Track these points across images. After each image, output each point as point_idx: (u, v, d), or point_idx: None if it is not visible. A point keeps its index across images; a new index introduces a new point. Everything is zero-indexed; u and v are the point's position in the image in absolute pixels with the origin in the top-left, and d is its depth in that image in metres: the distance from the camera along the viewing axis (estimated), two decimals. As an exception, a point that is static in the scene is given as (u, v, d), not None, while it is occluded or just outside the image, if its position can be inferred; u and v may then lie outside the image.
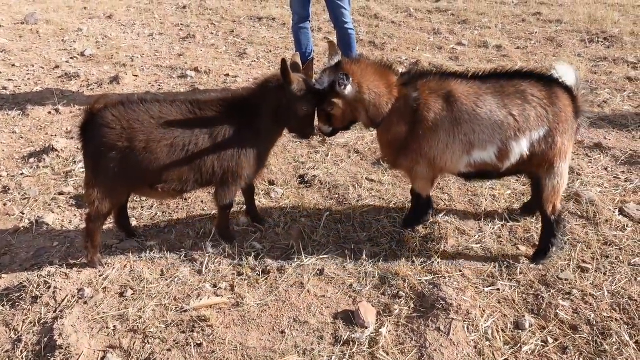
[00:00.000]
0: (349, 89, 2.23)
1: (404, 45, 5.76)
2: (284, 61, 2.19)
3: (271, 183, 3.08)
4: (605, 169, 3.15)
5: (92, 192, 2.23)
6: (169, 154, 2.20)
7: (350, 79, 2.22)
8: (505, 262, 2.36)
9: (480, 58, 5.27)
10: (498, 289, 2.21)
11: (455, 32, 6.19)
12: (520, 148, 2.21)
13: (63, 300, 2.16)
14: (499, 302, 2.15)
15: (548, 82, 2.26)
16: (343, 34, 4.16)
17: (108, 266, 2.37)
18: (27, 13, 6.86)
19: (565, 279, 2.25)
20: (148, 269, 2.36)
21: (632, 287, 2.19)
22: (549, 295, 2.16)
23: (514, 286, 2.23)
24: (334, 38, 5.84)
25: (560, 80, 2.25)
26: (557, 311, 2.07)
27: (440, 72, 2.38)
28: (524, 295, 2.19)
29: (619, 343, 1.92)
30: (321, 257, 2.42)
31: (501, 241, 2.52)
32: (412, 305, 2.13)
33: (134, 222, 2.70)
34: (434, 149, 2.28)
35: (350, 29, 4.14)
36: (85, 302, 2.16)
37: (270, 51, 5.61)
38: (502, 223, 2.66)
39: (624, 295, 2.14)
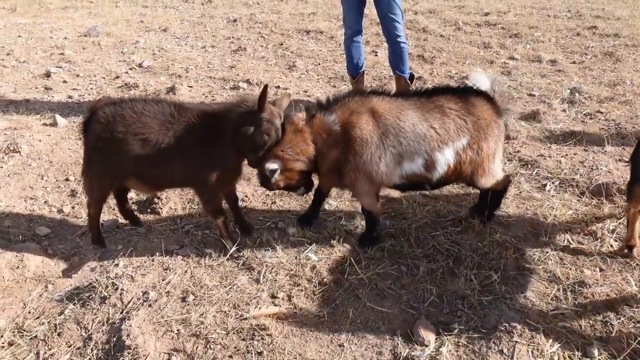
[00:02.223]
0: (278, 171, 2.38)
1: (454, 59, 5.71)
2: (265, 87, 2.26)
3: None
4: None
5: (86, 181, 2.56)
6: (142, 148, 2.34)
7: (272, 167, 2.36)
8: (569, 286, 2.28)
9: (533, 73, 5.15)
10: (563, 314, 2.14)
11: (506, 45, 6.09)
12: (445, 158, 2.37)
13: (129, 302, 2.25)
14: (564, 328, 2.07)
15: (463, 93, 2.44)
16: (395, 48, 4.17)
17: (170, 271, 2.46)
18: (90, 26, 7.27)
19: (636, 307, 2.14)
20: (207, 275, 2.42)
21: None
22: (619, 322, 2.07)
23: (580, 311, 2.15)
24: (383, 52, 5.87)
25: (475, 88, 2.44)
26: (629, 340, 1.98)
27: (361, 91, 2.51)
28: (591, 322, 2.10)
29: (700, 378, 1.81)
30: (377, 271, 2.42)
31: (564, 263, 2.44)
32: (472, 326, 2.08)
33: (191, 228, 2.79)
34: (369, 164, 2.37)
35: (403, 42, 4.15)
36: (150, 305, 2.24)
37: (319, 64, 5.69)
38: (564, 244, 2.57)
39: (703, 327, 2.02)
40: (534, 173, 3.27)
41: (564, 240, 2.59)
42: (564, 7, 8.05)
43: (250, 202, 3.08)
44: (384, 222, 2.74)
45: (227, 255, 2.53)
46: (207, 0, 9.22)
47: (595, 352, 1.93)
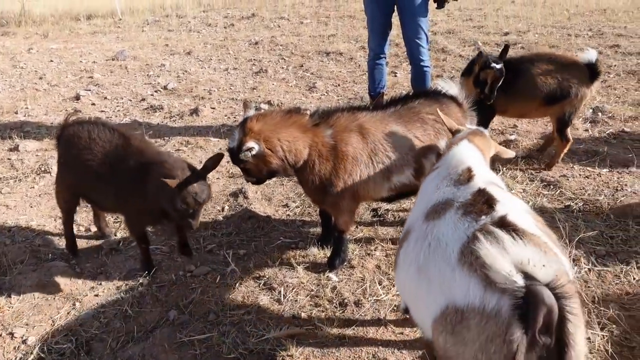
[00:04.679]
0: (255, 151, 2.25)
1: (473, 79, 5.71)
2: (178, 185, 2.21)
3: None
4: None
5: (56, 190, 2.80)
6: (86, 172, 2.49)
7: (253, 147, 2.23)
8: (594, 309, 2.23)
9: (554, 92, 5.11)
10: (588, 338, 2.09)
11: (526, 65, 6.07)
12: (431, 162, 2.41)
13: (153, 320, 2.30)
14: (591, 352, 2.02)
15: (435, 96, 2.51)
16: (418, 71, 4.19)
17: (193, 290, 2.50)
18: (117, 50, 7.55)
19: (667, 332, 2.08)
20: (229, 295, 2.45)
21: None
22: (648, 348, 2.01)
23: (607, 336, 2.10)
24: (402, 73, 5.93)
25: (444, 92, 2.54)
26: (660, 367, 1.92)
27: (347, 108, 2.52)
28: (617, 347, 2.05)
29: None
30: (397, 293, 2.41)
31: (589, 286, 2.39)
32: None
33: (214, 248, 2.84)
34: (356, 182, 2.38)
35: (427, 66, 4.17)
36: (173, 324, 2.28)
37: (339, 85, 5.77)
38: (588, 267, 2.52)
39: None
40: (556, 194, 3.23)
41: (588, 262, 2.55)
42: (584, 26, 8.01)
43: (272, 221, 3.12)
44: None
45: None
46: (230, 24, 9.48)
47: (624, 380, 1.88)
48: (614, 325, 2.15)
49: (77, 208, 2.86)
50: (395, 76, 5.91)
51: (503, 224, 1.28)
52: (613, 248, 2.65)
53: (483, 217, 1.35)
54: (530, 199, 3.17)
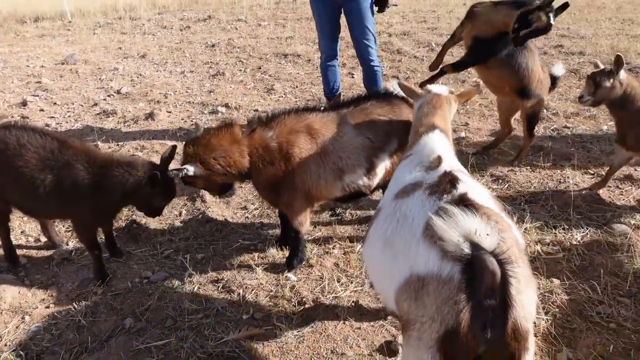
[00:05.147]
0: (192, 173, 2.36)
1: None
2: (154, 175, 2.37)
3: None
4: (638, 200, 3.14)
5: None
6: (18, 180, 2.37)
7: (187, 169, 2.34)
8: (539, 296, 2.36)
9: (503, 91, 5.34)
10: (534, 323, 2.21)
11: (477, 65, 6.31)
12: (383, 163, 2.50)
13: (108, 330, 2.25)
14: (536, 335, 2.14)
15: (387, 98, 2.57)
16: (369, 71, 4.29)
17: (150, 297, 2.46)
18: (67, 54, 7.28)
19: (603, 313, 2.23)
20: (187, 299, 2.43)
21: (672, 321, 2.16)
22: (587, 329, 2.15)
23: (551, 320, 2.22)
24: (359, 74, 6.03)
25: (396, 93, 2.59)
26: (596, 345, 2.05)
27: (295, 109, 2.55)
28: (560, 329, 2.18)
29: (663, 379, 1.89)
30: (355, 289, 2.47)
31: (535, 273, 2.52)
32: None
33: (171, 253, 2.80)
34: (308, 182, 2.42)
35: (377, 66, 4.27)
36: (128, 332, 2.24)
37: (297, 87, 5.80)
38: (533, 256, 2.66)
39: (665, 330, 2.12)
40: (505, 187, 3.38)
41: (534, 252, 2.69)
42: (530, 27, 8.40)
43: (230, 224, 3.10)
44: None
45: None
46: (186, 26, 9.33)
47: (565, 358, 2.00)
48: (558, 310, 2.28)
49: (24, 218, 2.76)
50: (353, 77, 6.00)
51: (462, 200, 1.42)
52: (557, 237, 2.81)
53: (446, 195, 1.48)
54: (481, 193, 3.30)
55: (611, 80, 2.87)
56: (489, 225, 1.26)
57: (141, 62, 7.07)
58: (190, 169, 2.36)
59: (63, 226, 3.11)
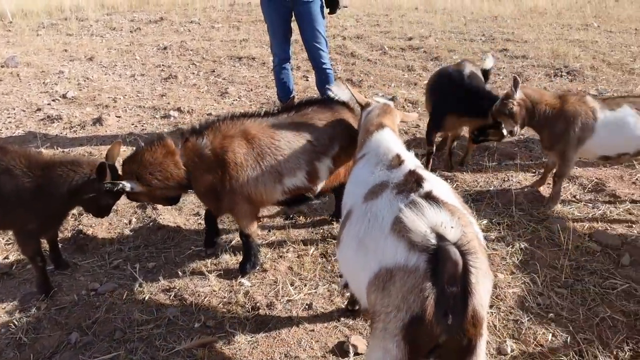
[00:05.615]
0: (129, 188, 2.40)
1: (380, 82, 6.01)
2: (102, 165, 2.34)
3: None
4: (574, 196, 3.34)
5: None
6: None
7: (124, 185, 2.37)
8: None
9: (452, 93, 5.53)
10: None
11: (428, 68, 6.49)
12: (326, 166, 2.53)
13: (52, 346, 2.15)
14: (482, 329, 2.23)
15: (328, 103, 2.65)
16: (322, 75, 4.34)
17: (97, 309, 2.38)
18: (7, 56, 6.91)
19: (543, 304, 2.36)
20: (137, 310, 2.37)
21: (602, 308, 2.31)
22: (528, 320, 2.26)
23: (495, 313, 2.33)
24: (312, 76, 6.06)
25: (337, 99, 2.66)
26: (536, 335, 2.17)
27: (232, 115, 2.57)
28: (504, 321, 2.28)
29: (595, 364, 2.02)
30: (309, 292, 2.49)
31: (480, 269, 2.63)
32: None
33: (120, 263, 2.72)
34: (246, 186, 2.43)
35: (328, 69, 4.33)
36: (74, 347, 2.16)
37: (251, 90, 5.77)
38: (480, 252, 2.77)
39: (595, 316, 2.26)
40: (453, 187, 3.50)
41: (480, 248, 2.80)
42: (478, 32, 8.73)
43: (182, 231, 3.05)
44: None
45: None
46: (136, 28, 9.07)
47: (508, 349, 2.10)
48: (502, 303, 2.39)
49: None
50: (307, 80, 6.03)
51: (427, 196, 1.51)
52: (501, 233, 2.94)
53: (413, 194, 1.56)
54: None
55: (514, 102, 3.03)
56: (454, 219, 1.34)
57: (88, 65, 6.81)
58: (127, 185, 2.37)
59: (3, 239, 2.95)
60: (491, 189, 3.46)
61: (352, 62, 6.79)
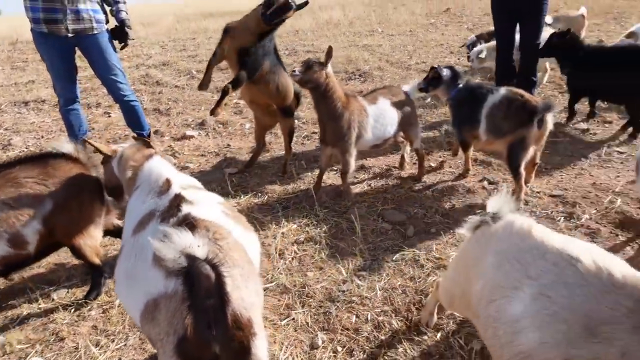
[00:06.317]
0: None
1: (190, 107, 5.93)
2: None
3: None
4: (370, 185, 3.74)
5: None
6: None
7: None
8: (297, 292, 2.59)
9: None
10: (293, 319, 2.41)
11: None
12: (33, 228, 2.33)
13: None
14: (295, 330, 2.33)
15: (41, 159, 2.47)
16: (126, 107, 4.09)
17: None
18: None
19: (347, 290, 2.57)
20: None
21: (395, 279, 2.63)
22: (336, 309, 2.44)
23: (307, 311, 2.46)
24: (117, 112, 5.68)
25: (56, 151, 2.53)
26: (342, 321, 2.35)
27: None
28: (315, 316, 2.42)
29: (390, 330, 2.27)
30: (117, 347, 2.29)
31: (291, 273, 2.76)
32: None
33: None
34: None
35: (133, 101, 4.09)
36: None
37: (42, 137, 5.15)
38: (291, 256, 2.91)
39: (390, 288, 2.55)
40: (265, 199, 3.62)
41: (291, 252, 2.94)
42: (282, 47, 9.26)
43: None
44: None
45: None
46: None
47: (319, 342, 2.23)
48: (312, 300, 2.53)
49: None
50: (110, 117, 5.64)
51: (184, 220, 1.55)
52: (309, 234, 3.13)
53: (172, 219, 1.59)
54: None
55: (321, 67, 3.24)
56: (203, 238, 1.41)
57: None
58: None
59: None
60: (298, 192, 3.67)
61: (159, 91, 6.57)
